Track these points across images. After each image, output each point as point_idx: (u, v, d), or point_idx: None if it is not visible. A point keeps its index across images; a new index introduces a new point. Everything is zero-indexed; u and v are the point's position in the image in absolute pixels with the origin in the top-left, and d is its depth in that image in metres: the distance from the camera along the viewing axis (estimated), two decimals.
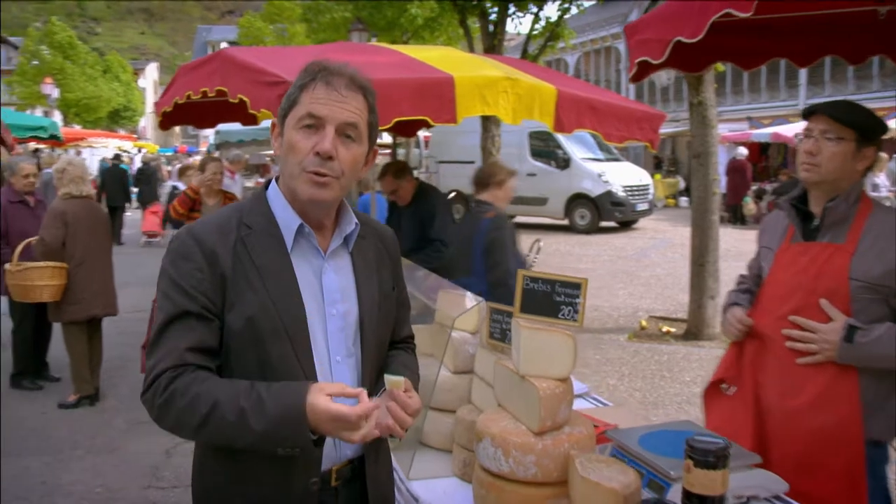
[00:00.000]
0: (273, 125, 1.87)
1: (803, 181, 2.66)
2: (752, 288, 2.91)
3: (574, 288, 2.11)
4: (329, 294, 1.84)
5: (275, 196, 1.85)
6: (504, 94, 5.28)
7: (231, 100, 5.05)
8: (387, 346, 2.02)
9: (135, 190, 20.29)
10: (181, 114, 6.92)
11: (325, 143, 1.72)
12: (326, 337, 1.83)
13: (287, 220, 1.81)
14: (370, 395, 1.86)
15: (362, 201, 11.11)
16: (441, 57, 6.00)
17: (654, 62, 3.42)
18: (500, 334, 2.45)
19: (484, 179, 5.15)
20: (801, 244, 2.62)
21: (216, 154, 18.58)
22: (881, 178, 15.00)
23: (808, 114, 2.64)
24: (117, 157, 21.56)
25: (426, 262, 5.79)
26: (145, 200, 18.78)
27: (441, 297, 2.82)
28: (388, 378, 1.76)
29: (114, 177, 18.59)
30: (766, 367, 2.65)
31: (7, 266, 6.01)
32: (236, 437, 1.63)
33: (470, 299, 2.65)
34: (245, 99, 4.79)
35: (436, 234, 5.91)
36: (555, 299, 2.13)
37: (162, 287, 1.75)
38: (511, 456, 1.98)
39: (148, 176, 19.72)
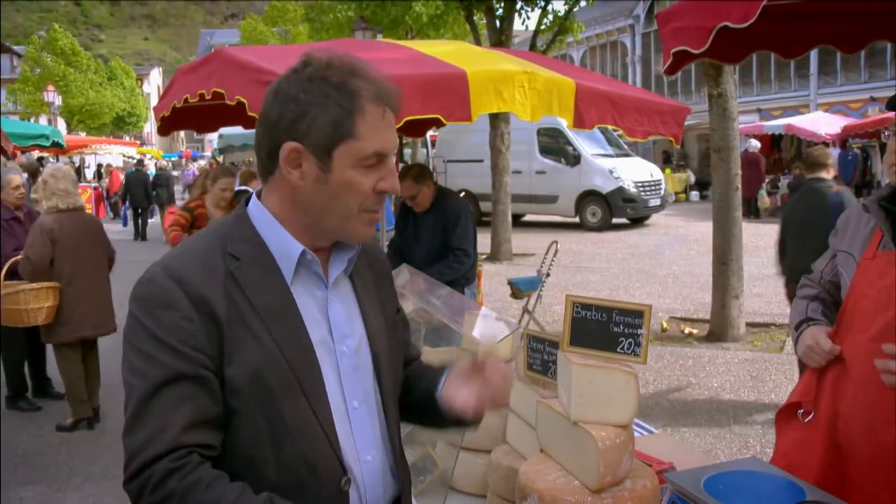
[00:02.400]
0: (292, 150, 1.42)
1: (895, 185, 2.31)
2: (822, 295, 2.55)
3: (636, 316, 1.77)
4: (338, 329, 1.52)
5: (260, 217, 1.50)
6: (521, 89, 4.97)
7: (229, 102, 4.74)
8: (400, 381, 1.71)
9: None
10: (181, 118, 6.61)
11: (397, 182, 1.50)
12: (340, 380, 1.50)
13: (282, 245, 1.48)
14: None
15: None
16: (452, 51, 5.70)
17: (695, 52, 3.11)
18: (540, 366, 2.12)
19: (820, 160, 5.85)
20: (893, 252, 2.22)
21: (220, 160, 18.89)
22: None
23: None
24: (140, 162, 24.11)
25: (447, 273, 5.48)
26: (163, 202, 21.10)
27: (468, 320, 2.49)
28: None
29: (138, 181, 20.75)
30: (848, 394, 2.26)
31: None
32: None
33: (503, 326, 2.32)
34: (244, 101, 4.47)
35: (457, 243, 5.57)
36: (612, 330, 1.80)
37: (138, 345, 1.36)
38: None
39: (164, 180, 21.91)
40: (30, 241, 5.66)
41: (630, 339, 1.78)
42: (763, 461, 2.27)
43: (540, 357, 2.13)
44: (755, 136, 22.08)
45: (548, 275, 7.90)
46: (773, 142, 24.71)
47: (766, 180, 20.99)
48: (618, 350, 1.79)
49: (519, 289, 7.80)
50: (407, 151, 24.16)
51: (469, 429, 1.73)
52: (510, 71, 4.99)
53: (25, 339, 6.36)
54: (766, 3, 2.73)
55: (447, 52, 5.49)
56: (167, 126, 6.75)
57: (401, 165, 8.08)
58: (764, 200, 20.24)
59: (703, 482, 2.03)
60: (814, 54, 26.80)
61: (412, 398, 1.72)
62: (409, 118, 4.66)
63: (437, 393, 1.63)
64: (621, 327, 1.79)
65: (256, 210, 1.52)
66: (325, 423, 1.44)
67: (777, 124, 22.98)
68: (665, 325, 8.96)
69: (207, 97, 5.11)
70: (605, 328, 1.81)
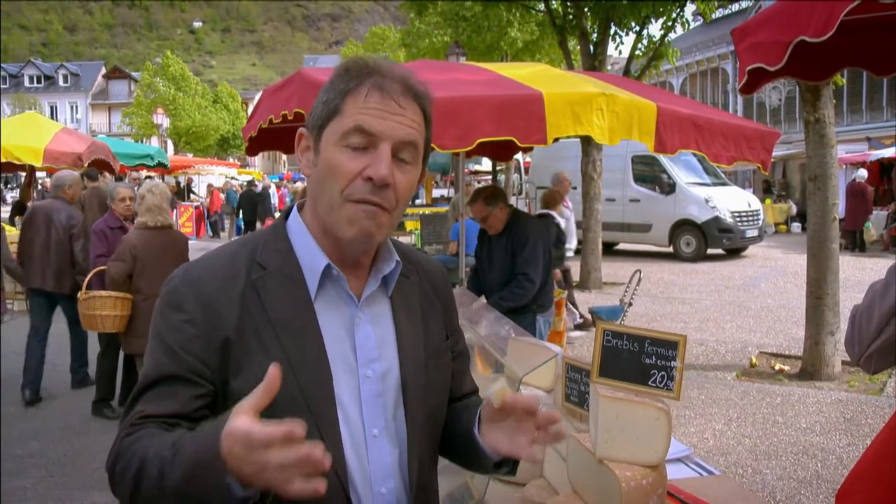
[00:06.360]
0: (299, 136, 1.46)
1: None
2: None
3: (669, 347, 1.63)
4: (364, 352, 1.44)
5: (297, 228, 1.47)
6: (599, 112, 4.83)
7: None
8: (443, 415, 1.59)
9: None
10: (268, 139, 6.72)
11: (382, 168, 1.33)
12: (360, 405, 1.42)
13: (311, 259, 1.43)
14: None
15: (455, 229, 10.68)
16: (531, 74, 5.61)
17: (771, 69, 2.93)
18: (577, 397, 1.99)
19: None
20: None
21: None
22: None
23: None
24: (251, 183, 28.08)
25: (509, 298, 5.37)
26: (262, 217, 24.57)
27: (511, 347, 2.38)
28: (493, 392, 1.39)
29: (248, 199, 25.13)
30: None
31: (79, 294, 5.92)
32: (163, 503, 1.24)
33: (544, 351, 2.20)
34: None
35: (521, 267, 5.44)
36: (644, 361, 1.65)
37: (150, 339, 1.41)
38: None
39: (263, 198, 25.58)
40: (114, 254, 5.88)
41: (663, 373, 1.63)
42: None
43: (577, 388, 2.00)
44: (862, 165, 21.10)
45: (630, 304, 7.69)
46: (881, 171, 23.51)
47: (874, 212, 19.97)
48: (649, 384, 1.65)
49: (600, 318, 7.61)
50: (500, 178, 24.17)
51: (507, 473, 1.59)
52: (588, 93, 4.86)
53: (119, 348, 6.53)
54: (846, 17, 2.55)
55: (526, 75, 5.41)
56: (255, 147, 6.88)
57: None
58: (870, 233, 19.26)
59: None
60: None
61: (455, 436, 1.61)
62: (483, 140, 4.60)
63: (475, 431, 1.50)
64: (654, 359, 1.64)
65: (294, 221, 1.49)
66: (332, 447, 1.35)
67: (886, 153, 21.88)
68: (754, 360, 8.54)
69: (290, 118, 5.16)
70: (637, 359, 1.66)
